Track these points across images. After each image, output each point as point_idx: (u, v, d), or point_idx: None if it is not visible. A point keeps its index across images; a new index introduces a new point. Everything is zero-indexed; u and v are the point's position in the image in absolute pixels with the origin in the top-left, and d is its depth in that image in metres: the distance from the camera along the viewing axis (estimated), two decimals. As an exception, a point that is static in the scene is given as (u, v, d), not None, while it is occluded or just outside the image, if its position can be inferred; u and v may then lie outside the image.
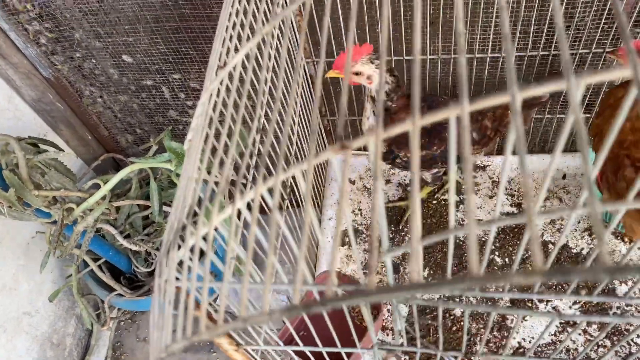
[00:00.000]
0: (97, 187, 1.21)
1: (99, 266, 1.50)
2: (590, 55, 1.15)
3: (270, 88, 0.82)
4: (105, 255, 1.47)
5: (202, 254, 1.23)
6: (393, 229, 1.37)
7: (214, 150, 0.50)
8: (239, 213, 0.44)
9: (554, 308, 1.20)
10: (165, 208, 1.44)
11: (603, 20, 1.06)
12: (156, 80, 1.43)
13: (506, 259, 1.28)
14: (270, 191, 0.36)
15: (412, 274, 0.24)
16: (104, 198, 1.16)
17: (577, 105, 0.22)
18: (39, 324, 1.52)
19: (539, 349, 1.16)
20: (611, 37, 1.10)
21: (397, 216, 1.39)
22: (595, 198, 0.21)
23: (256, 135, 0.76)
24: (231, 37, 0.60)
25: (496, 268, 1.27)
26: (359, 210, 1.42)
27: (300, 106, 1.13)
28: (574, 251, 1.26)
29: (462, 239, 1.31)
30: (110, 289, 1.50)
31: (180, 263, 0.42)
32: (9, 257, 1.41)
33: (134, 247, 1.42)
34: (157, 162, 1.03)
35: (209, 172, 0.50)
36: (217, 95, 0.56)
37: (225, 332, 0.27)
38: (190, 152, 0.57)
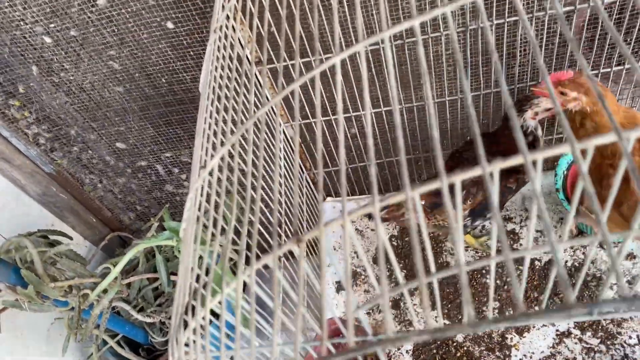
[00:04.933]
0: (108, 269, 1.30)
1: (118, 342, 1.57)
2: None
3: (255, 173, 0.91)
4: (122, 331, 1.54)
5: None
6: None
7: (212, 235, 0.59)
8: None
9: (551, 324, 1.27)
10: (173, 277, 1.52)
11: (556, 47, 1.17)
12: (150, 161, 1.54)
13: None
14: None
15: (388, 331, 0.32)
16: (115, 279, 1.24)
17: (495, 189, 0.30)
18: (67, 407, 1.57)
19: (541, 362, 1.22)
20: (567, 63, 1.21)
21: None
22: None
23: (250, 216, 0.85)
24: (215, 132, 0.69)
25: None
26: (355, 253, 1.50)
27: (285, 168, 1.22)
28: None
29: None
30: (131, 363, 1.57)
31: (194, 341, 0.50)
32: (32, 347, 1.48)
33: (148, 320, 1.49)
34: (159, 240, 1.13)
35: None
36: (210, 187, 0.65)
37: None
38: (186, 241, 0.66)
